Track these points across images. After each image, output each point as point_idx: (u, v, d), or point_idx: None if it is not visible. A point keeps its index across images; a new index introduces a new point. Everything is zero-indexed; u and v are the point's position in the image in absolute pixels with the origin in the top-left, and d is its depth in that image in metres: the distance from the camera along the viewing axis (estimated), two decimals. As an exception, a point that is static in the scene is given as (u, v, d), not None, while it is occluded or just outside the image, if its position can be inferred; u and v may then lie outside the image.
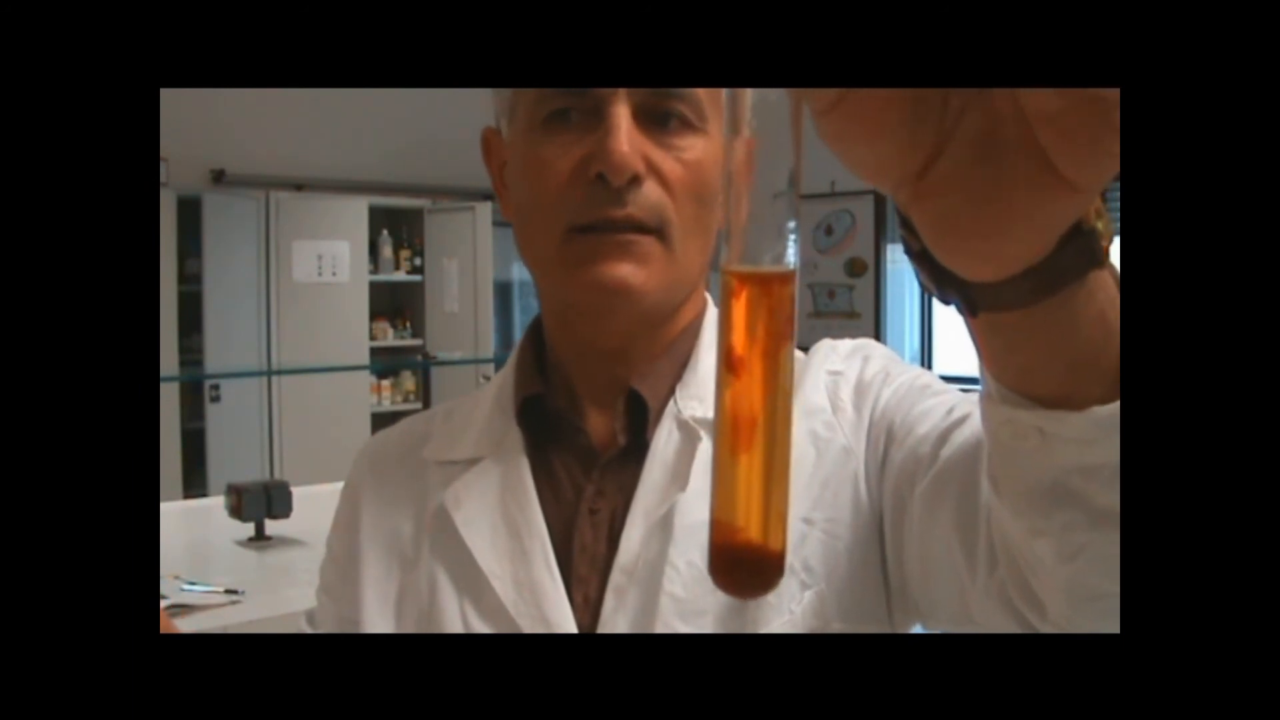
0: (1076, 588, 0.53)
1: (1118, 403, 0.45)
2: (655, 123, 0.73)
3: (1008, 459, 0.50)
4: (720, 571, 0.40)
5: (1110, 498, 0.48)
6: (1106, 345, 0.44)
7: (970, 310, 0.43)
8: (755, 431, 0.38)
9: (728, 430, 0.39)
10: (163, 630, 0.74)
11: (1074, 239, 0.40)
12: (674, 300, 0.78)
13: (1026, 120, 0.36)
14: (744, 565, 0.39)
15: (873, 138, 0.37)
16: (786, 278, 0.38)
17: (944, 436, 0.67)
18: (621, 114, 0.71)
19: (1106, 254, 0.42)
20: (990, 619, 0.61)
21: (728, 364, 0.39)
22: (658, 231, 0.73)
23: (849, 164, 0.39)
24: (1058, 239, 0.40)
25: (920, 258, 0.42)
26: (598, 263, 0.73)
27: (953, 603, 0.65)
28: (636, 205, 0.72)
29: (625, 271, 0.73)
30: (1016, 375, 0.47)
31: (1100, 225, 0.41)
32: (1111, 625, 0.57)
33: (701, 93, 0.74)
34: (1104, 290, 0.44)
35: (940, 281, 0.42)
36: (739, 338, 0.39)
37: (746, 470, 0.38)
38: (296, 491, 2.54)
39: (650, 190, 0.72)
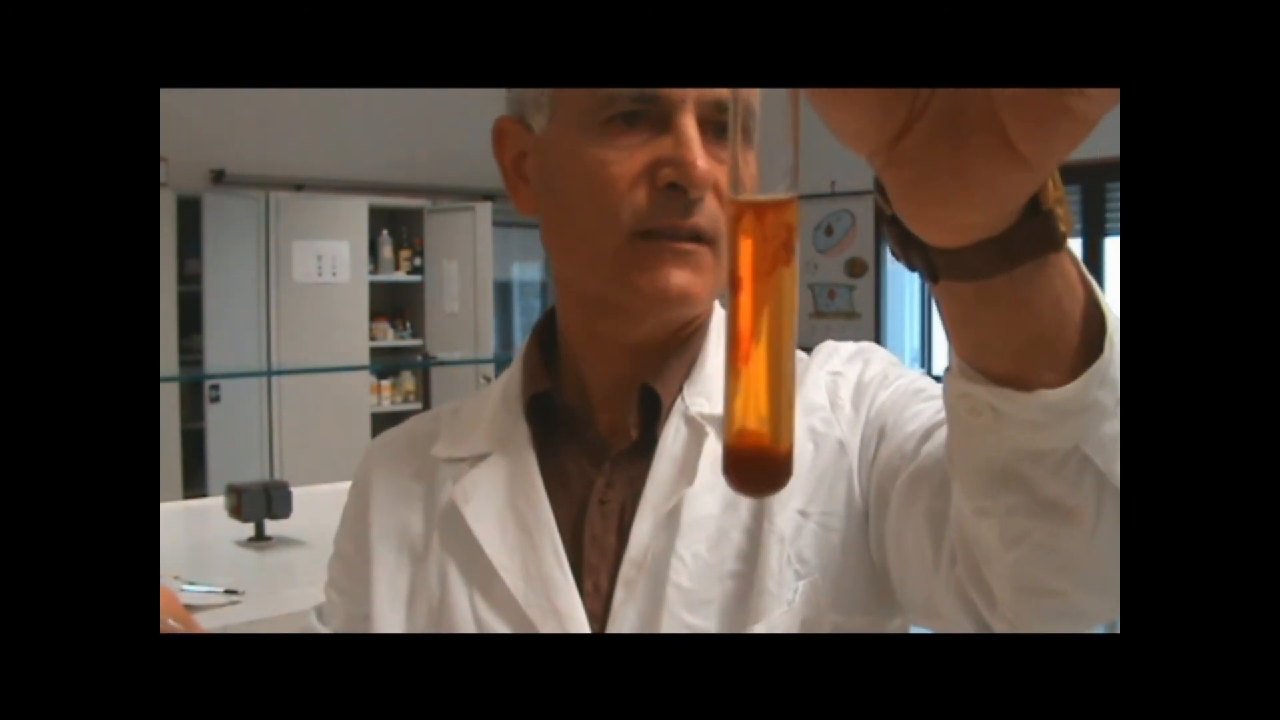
0: (1020, 578, 0.55)
1: (1069, 389, 0.47)
2: (714, 134, 0.73)
3: (962, 434, 0.53)
4: (731, 470, 0.43)
5: (1054, 488, 0.50)
6: (1061, 331, 0.47)
7: (931, 276, 0.46)
8: (753, 343, 0.42)
9: (731, 342, 0.42)
10: (189, 628, 0.75)
11: (1032, 218, 0.43)
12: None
13: (990, 99, 0.38)
14: (752, 464, 0.43)
15: (850, 101, 0.40)
16: (781, 205, 0.42)
17: (928, 434, 0.68)
18: (691, 124, 0.72)
19: (1064, 239, 0.45)
20: (950, 614, 0.63)
21: (730, 283, 0.42)
22: (712, 242, 0.75)
23: (833, 128, 0.41)
24: (1015, 214, 0.43)
25: (890, 222, 0.46)
26: (660, 269, 0.74)
27: (922, 596, 0.67)
28: (701, 216, 0.74)
29: (686, 279, 0.74)
30: (972, 349, 0.49)
31: (1059, 210, 0.44)
32: (1059, 629, 0.58)
33: (758, 105, 0.74)
34: (1062, 277, 0.46)
35: (906, 246, 0.46)
36: (736, 259, 0.42)
37: (748, 378, 0.42)
38: (296, 491, 2.54)
39: (711, 203, 0.74)
